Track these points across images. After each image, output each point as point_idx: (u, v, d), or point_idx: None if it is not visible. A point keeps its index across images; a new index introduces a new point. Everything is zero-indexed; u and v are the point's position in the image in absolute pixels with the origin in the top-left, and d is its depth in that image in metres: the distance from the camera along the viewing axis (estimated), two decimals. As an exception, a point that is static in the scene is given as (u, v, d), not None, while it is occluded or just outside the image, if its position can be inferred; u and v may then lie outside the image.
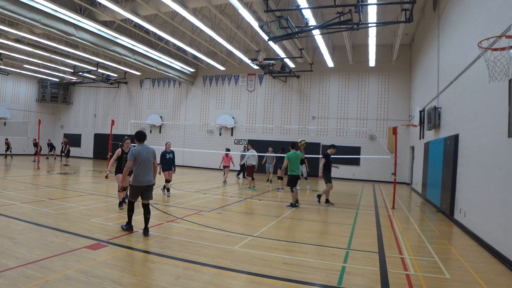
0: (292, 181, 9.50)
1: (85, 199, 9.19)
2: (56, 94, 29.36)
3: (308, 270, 4.56)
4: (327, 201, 10.30)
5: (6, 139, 23.49)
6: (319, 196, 10.45)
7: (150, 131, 25.87)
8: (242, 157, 17.24)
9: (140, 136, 5.93)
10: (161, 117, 25.51)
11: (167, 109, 25.91)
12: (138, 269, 4.31)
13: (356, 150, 19.42)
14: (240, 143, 22.70)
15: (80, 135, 28.94)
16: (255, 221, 7.83)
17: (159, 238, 5.78)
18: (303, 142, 10.83)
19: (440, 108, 10.68)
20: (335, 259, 5.12)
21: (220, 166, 15.39)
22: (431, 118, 11.01)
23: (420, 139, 14.23)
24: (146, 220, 5.90)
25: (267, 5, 11.40)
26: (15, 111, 27.55)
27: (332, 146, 10.58)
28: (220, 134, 23.49)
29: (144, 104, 26.86)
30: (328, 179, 10.21)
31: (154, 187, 6.24)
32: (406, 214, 9.55)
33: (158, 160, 8.24)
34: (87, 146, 28.75)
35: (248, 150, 14.77)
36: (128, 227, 6.04)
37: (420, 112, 13.59)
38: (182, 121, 24.81)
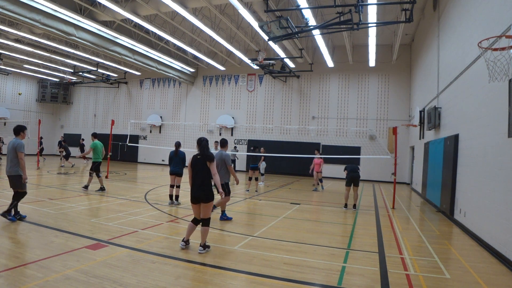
0: (97, 168, 10.79)
1: (85, 199, 9.19)
2: (56, 94, 29.33)
3: (308, 270, 4.56)
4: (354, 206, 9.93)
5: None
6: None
7: (150, 131, 25.87)
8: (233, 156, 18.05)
9: (14, 130, 6.55)
10: (161, 117, 25.51)
11: (167, 109, 25.90)
12: (138, 269, 4.30)
13: (356, 150, 19.41)
14: (240, 143, 22.72)
15: (80, 135, 28.91)
16: (255, 221, 7.83)
17: (159, 238, 5.78)
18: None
19: (440, 108, 10.68)
20: (335, 259, 5.12)
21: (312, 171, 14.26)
22: (431, 118, 11.00)
23: (420, 139, 14.23)
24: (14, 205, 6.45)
25: (267, 5, 11.40)
26: (15, 111, 27.53)
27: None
28: (220, 134, 23.48)
29: (144, 104, 26.85)
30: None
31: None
32: (406, 214, 9.55)
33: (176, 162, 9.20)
34: (87, 146, 28.61)
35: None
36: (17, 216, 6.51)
37: (420, 112, 13.59)
38: (182, 121, 24.79)
